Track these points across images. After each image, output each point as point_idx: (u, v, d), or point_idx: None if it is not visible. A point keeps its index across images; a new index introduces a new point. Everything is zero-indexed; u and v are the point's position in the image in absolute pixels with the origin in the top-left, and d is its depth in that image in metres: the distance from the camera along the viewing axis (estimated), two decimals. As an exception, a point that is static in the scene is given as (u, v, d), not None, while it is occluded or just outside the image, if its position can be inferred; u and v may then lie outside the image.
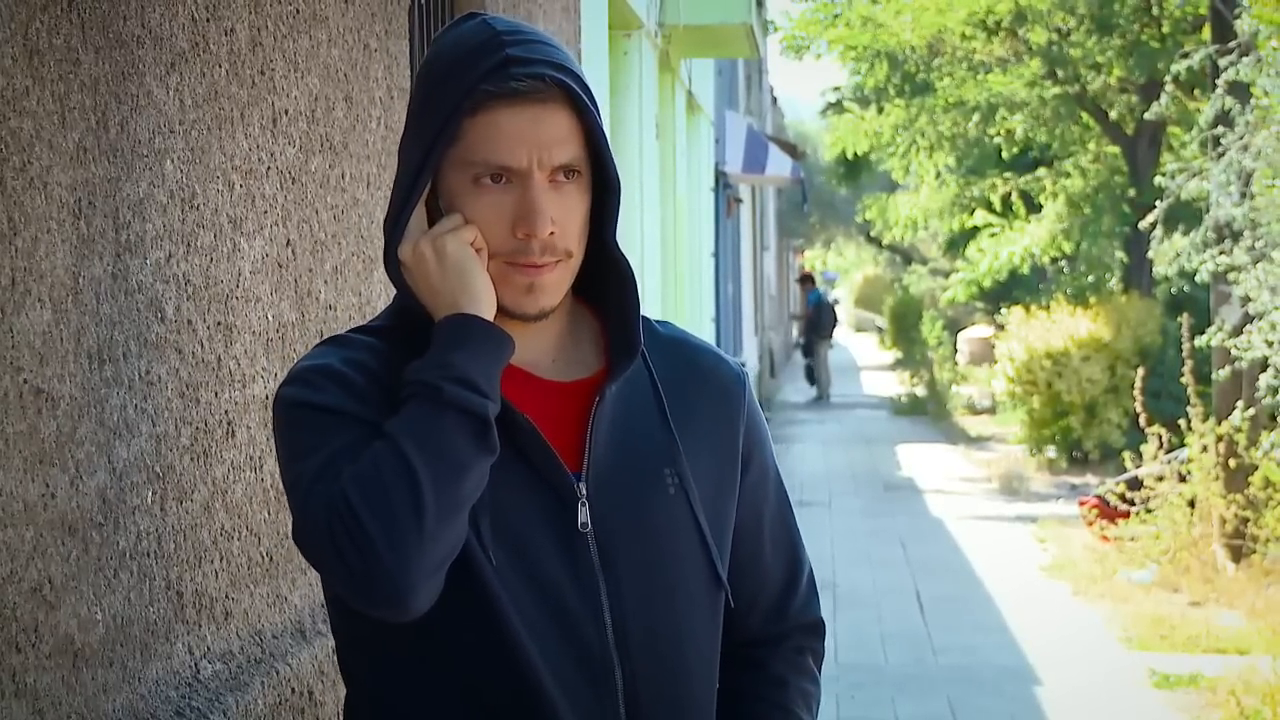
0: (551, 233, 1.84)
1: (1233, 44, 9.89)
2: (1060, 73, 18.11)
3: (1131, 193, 18.54)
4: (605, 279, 1.96)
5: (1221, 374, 10.37)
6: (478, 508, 1.82)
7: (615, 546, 1.90)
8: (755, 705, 2.06)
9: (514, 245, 1.85)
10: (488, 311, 1.83)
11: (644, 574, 1.91)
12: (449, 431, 1.76)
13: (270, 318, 2.89)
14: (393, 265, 1.89)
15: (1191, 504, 10.65)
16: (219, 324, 2.67)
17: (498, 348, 1.82)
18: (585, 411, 1.91)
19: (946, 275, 28.07)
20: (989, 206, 22.34)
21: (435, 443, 1.75)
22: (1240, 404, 10.21)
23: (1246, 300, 9.58)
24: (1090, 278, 21.32)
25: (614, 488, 1.91)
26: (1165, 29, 17.29)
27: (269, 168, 2.88)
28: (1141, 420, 11.11)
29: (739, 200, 19.80)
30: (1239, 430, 10.15)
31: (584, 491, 1.89)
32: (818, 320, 26.81)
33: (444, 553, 1.76)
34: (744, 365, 2.11)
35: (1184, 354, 10.88)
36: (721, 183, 17.11)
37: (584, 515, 1.89)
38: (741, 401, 2.05)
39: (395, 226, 1.88)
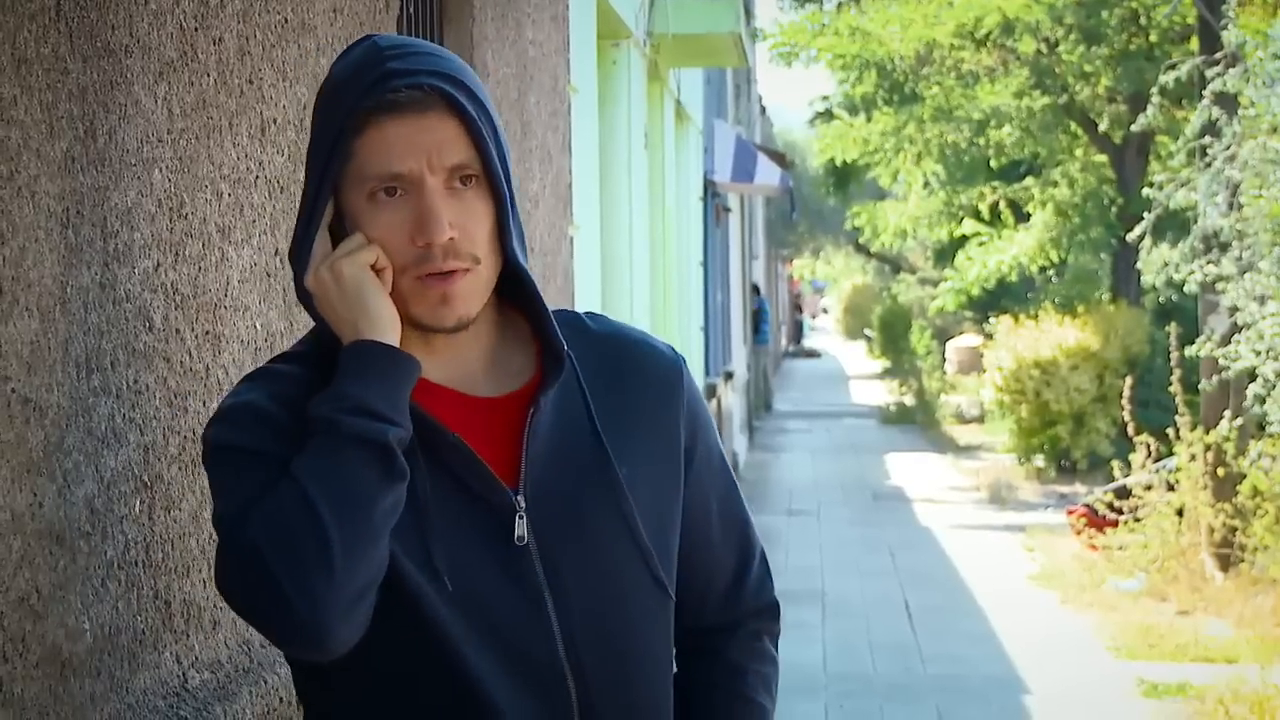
0: (452, 238, 1.82)
1: (1219, 54, 9.92)
2: (1048, 82, 18.15)
3: (1120, 202, 18.57)
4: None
5: (1209, 383, 10.39)
6: (419, 531, 1.81)
7: (558, 558, 1.88)
8: (713, 694, 2.06)
9: (416, 255, 1.82)
10: (389, 333, 1.81)
11: (591, 583, 1.89)
12: (351, 464, 1.74)
13: (259, 326, 2.89)
14: (302, 293, 1.87)
15: (1180, 513, 10.68)
16: (207, 333, 2.67)
17: (398, 370, 1.79)
18: (519, 425, 1.89)
19: (935, 284, 28.10)
20: (977, 215, 22.37)
21: (338, 478, 1.74)
22: (1228, 413, 10.23)
23: (1234, 310, 9.60)
24: (1078, 287, 21.35)
25: (552, 500, 1.88)
26: (1153, 39, 17.33)
27: (257, 177, 2.88)
28: (1130, 429, 11.13)
29: (728, 209, 19.80)
30: (1227, 439, 10.17)
31: (522, 505, 1.87)
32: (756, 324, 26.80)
33: (359, 587, 1.73)
34: (682, 359, 2.08)
35: (1172, 363, 10.90)
36: (710, 192, 17.10)
37: (521, 529, 1.86)
38: (680, 390, 2.01)
39: (299, 254, 1.87)
